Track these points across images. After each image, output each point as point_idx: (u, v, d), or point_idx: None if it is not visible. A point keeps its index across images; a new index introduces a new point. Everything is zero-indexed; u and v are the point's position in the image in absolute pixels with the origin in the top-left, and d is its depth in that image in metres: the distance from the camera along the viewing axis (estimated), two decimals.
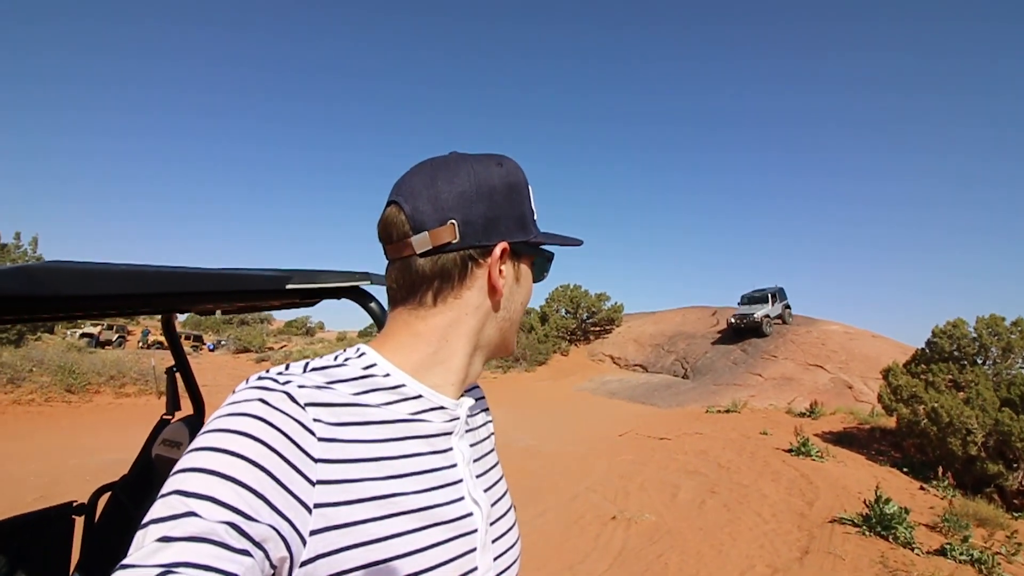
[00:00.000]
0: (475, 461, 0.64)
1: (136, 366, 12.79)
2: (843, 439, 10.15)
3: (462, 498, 0.57)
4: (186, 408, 2.20)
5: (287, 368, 0.54)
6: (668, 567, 4.38)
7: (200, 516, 0.39)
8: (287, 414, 0.47)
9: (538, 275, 0.70)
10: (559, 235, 0.68)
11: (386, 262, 0.63)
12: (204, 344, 31.61)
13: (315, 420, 0.49)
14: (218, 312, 1.87)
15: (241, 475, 0.42)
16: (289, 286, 1.24)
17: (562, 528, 5.27)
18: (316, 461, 0.47)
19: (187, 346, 27.74)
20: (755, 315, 20.98)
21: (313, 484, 0.46)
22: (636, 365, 23.48)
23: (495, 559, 0.59)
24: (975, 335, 10.97)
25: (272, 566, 0.42)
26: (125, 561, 0.37)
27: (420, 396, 0.58)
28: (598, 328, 27.96)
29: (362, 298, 1.36)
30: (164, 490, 0.41)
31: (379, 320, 1.33)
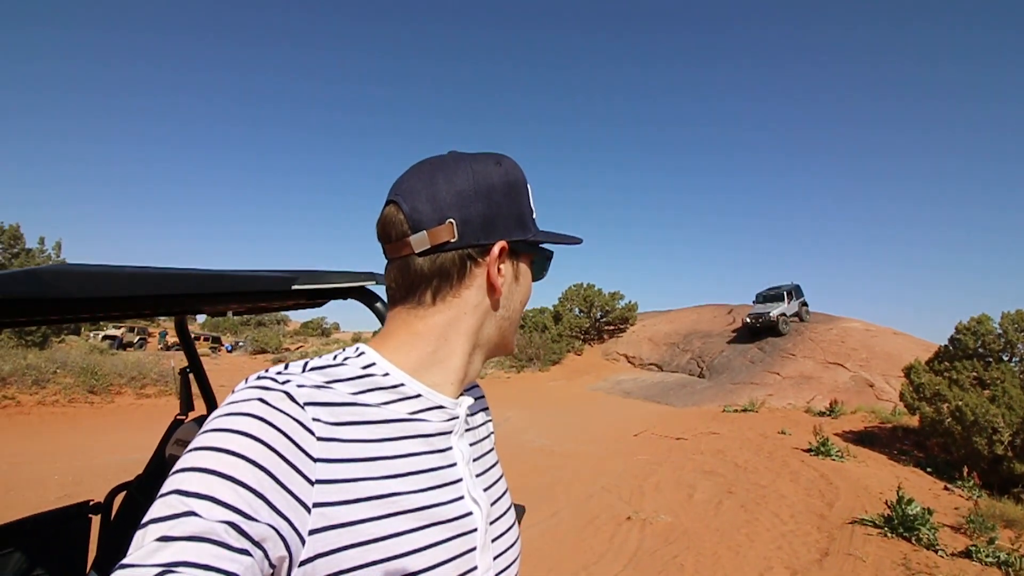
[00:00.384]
0: (474, 460, 0.64)
1: (156, 367, 13.03)
2: (864, 439, 9.96)
3: (461, 497, 0.57)
4: (199, 408, 2.23)
5: (286, 367, 0.54)
6: (684, 568, 4.33)
7: (200, 515, 0.39)
8: (286, 413, 0.47)
9: (538, 274, 0.70)
10: (558, 234, 0.68)
11: (386, 262, 0.63)
12: (222, 345, 32.09)
13: (314, 419, 0.49)
14: (230, 313, 1.89)
15: (240, 475, 0.42)
16: (295, 287, 1.24)
17: (576, 528, 5.24)
18: (315, 460, 0.47)
19: (206, 347, 28.33)
20: (771, 314, 20.65)
21: (312, 484, 0.46)
22: (651, 364, 23.31)
23: (495, 558, 0.59)
24: (1000, 331, 10.70)
25: (271, 565, 0.42)
26: (125, 560, 0.37)
27: (419, 395, 0.58)
28: (612, 327, 27.82)
29: (368, 298, 1.36)
30: (164, 490, 0.41)
31: (385, 320, 1.33)
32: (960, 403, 8.46)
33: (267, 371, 0.52)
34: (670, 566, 4.38)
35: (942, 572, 4.12)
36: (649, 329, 26.32)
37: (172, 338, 29.90)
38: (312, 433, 0.48)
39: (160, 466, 2.08)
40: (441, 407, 0.59)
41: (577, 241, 0.69)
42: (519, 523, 1.38)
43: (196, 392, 2.26)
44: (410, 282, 0.59)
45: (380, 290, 1.35)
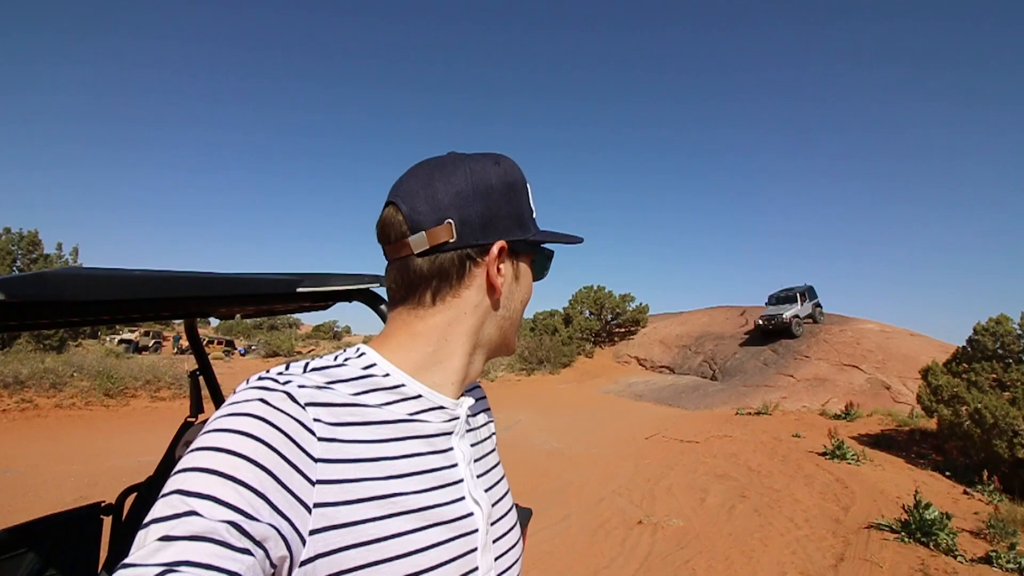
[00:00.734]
0: (476, 461, 0.64)
1: (171, 371, 13.18)
2: (881, 442, 9.80)
3: (463, 498, 0.57)
4: (209, 410, 2.24)
5: (287, 368, 0.54)
6: (696, 573, 4.28)
7: (201, 515, 0.39)
8: (287, 414, 0.48)
9: (538, 273, 0.70)
10: (558, 233, 0.68)
11: (386, 263, 0.64)
12: (236, 349, 32.42)
13: (315, 420, 0.49)
14: (238, 316, 1.90)
15: (242, 474, 0.42)
16: (300, 289, 1.25)
17: (587, 532, 5.20)
18: (316, 461, 0.47)
19: (219, 350, 28.60)
20: (784, 316, 20.38)
21: (313, 484, 0.46)
22: (662, 367, 23.15)
23: (496, 559, 0.59)
24: (1020, 332, 10.48)
25: (272, 565, 0.42)
26: (127, 560, 0.37)
27: (420, 396, 0.58)
28: (623, 329, 27.68)
29: (372, 300, 1.36)
30: (165, 489, 0.41)
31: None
32: (979, 405, 8.30)
33: (268, 371, 0.52)
34: (682, 571, 4.33)
35: None
36: (660, 331, 26.14)
37: (186, 342, 30.27)
38: (313, 433, 0.48)
39: (169, 468, 2.09)
40: (442, 407, 0.59)
41: (578, 240, 0.69)
42: (525, 526, 1.37)
43: (206, 394, 2.28)
44: (410, 283, 0.59)
45: (384, 292, 1.35)
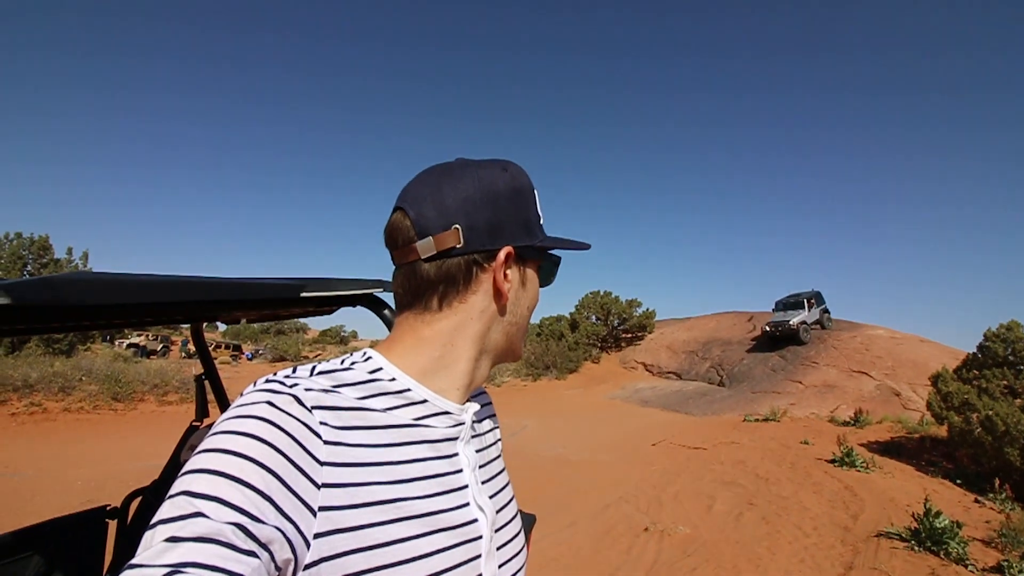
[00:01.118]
0: (480, 467, 0.64)
1: (178, 375, 13.26)
2: (890, 449, 9.70)
3: (467, 504, 0.57)
4: (215, 415, 2.26)
5: (294, 371, 0.54)
6: None
7: (207, 517, 0.39)
8: (294, 416, 0.48)
9: (545, 279, 0.70)
10: (566, 239, 0.69)
11: (394, 268, 0.64)
12: (243, 353, 32.58)
13: (321, 423, 0.49)
14: (243, 321, 1.91)
15: (248, 477, 0.42)
16: (303, 294, 1.25)
17: (593, 539, 5.17)
18: (322, 464, 0.48)
19: (226, 355, 28.74)
20: (791, 322, 20.25)
21: (318, 487, 0.46)
22: (669, 372, 23.04)
23: (500, 566, 0.59)
24: None
25: (277, 568, 0.42)
26: (134, 560, 0.37)
27: (425, 401, 0.58)
28: (630, 335, 27.61)
29: (376, 305, 1.37)
30: (172, 491, 0.41)
31: (392, 327, 1.33)
32: (990, 412, 8.20)
33: (275, 374, 0.53)
34: None
35: None
36: (667, 337, 26.04)
37: (193, 346, 30.43)
38: (319, 436, 0.48)
39: (175, 471, 2.10)
40: (447, 413, 0.59)
41: (585, 247, 0.70)
42: (530, 532, 1.36)
43: (212, 399, 2.29)
44: (417, 288, 0.59)
45: (388, 297, 1.36)
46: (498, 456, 0.72)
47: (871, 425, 11.91)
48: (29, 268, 16.10)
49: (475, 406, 0.64)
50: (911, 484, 7.38)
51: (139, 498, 2.11)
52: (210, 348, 2.37)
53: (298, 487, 0.45)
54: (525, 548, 0.67)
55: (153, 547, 0.37)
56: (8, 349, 13.50)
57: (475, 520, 0.57)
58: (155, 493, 2.09)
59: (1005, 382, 9.95)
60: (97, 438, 9.00)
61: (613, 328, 27.34)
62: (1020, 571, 4.20)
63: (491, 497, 0.62)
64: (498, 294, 0.61)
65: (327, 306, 1.44)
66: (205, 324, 2.46)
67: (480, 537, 0.57)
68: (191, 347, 30.33)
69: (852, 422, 12.17)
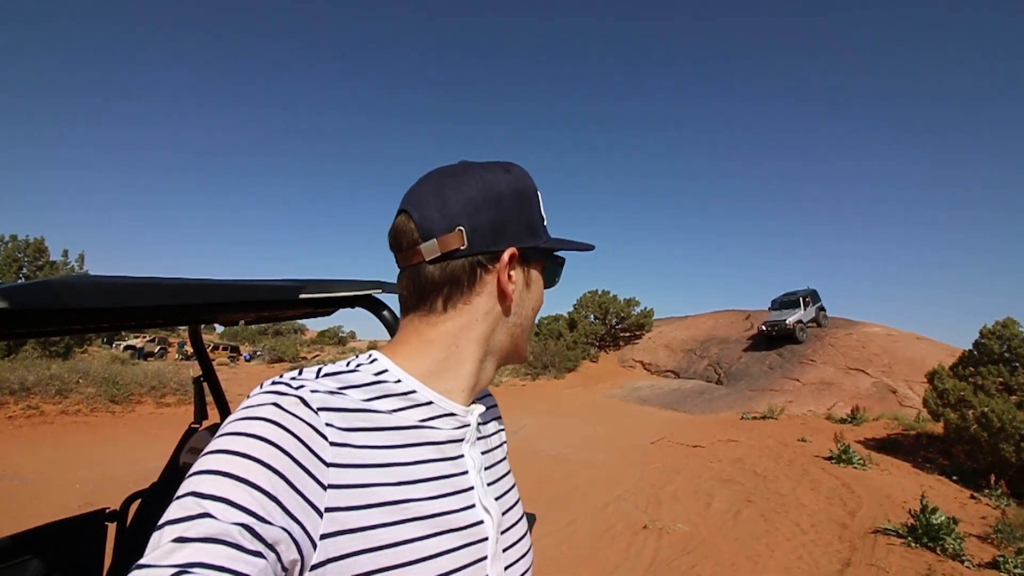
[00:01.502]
0: (486, 469, 0.64)
1: (176, 377, 13.22)
2: (887, 446, 9.73)
3: (473, 506, 0.57)
4: (213, 417, 2.26)
5: (300, 373, 0.55)
6: None
7: (215, 517, 0.39)
8: (300, 418, 0.48)
9: (549, 280, 0.70)
10: (570, 240, 0.69)
11: (398, 271, 0.64)
12: (241, 355, 32.50)
13: (327, 424, 0.49)
14: (242, 323, 1.91)
15: (255, 478, 0.42)
16: (302, 296, 1.25)
17: (592, 538, 5.18)
18: (328, 465, 0.48)
19: (224, 356, 28.64)
20: (787, 321, 20.28)
21: (325, 488, 0.47)
22: (668, 371, 23.08)
23: (506, 568, 0.59)
24: None
25: (284, 568, 0.42)
26: (141, 561, 0.37)
27: (431, 403, 0.58)
28: (628, 334, 27.64)
29: (375, 307, 1.37)
30: (180, 491, 0.42)
31: (391, 328, 1.34)
32: (986, 409, 8.24)
33: (281, 376, 0.53)
34: None
35: None
36: (666, 335, 26.08)
37: (191, 348, 30.33)
38: (325, 438, 0.49)
39: (174, 474, 2.10)
40: (452, 414, 0.60)
41: (589, 248, 0.70)
42: (529, 532, 1.37)
43: (210, 400, 2.29)
44: (421, 290, 0.60)
45: (387, 298, 1.36)
46: (504, 458, 0.72)
47: (868, 422, 11.95)
48: (24, 271, 16.03)
49: (480, 408, 0.64)
50: (908, 481, 7.41)
51: (138, 501, 2.11)
52: (208, 350, 2.37)
53: (304, 488, 0.45)
54: (532, 550, 0.67)
55: (161, 547, 0.38)
56: (4, 352, 13.44)
57: (481, 522, 0.57)
58: (154, 495, 2.08)
59: (1001, 379, 10.01)
60: (95, 441, 8.97)
61: (611, 327, 27.36)
62: (1016, 566, 4.23)
63: (497, 499, 0.62)
64: (502, 295, 0.61)
65: (326, 308, 1.44)
66: (203, 326, 2.47)
67: (486, 539, 0.57)
68: (188, 348, 30.28)
69: (849, 419, 12.21)
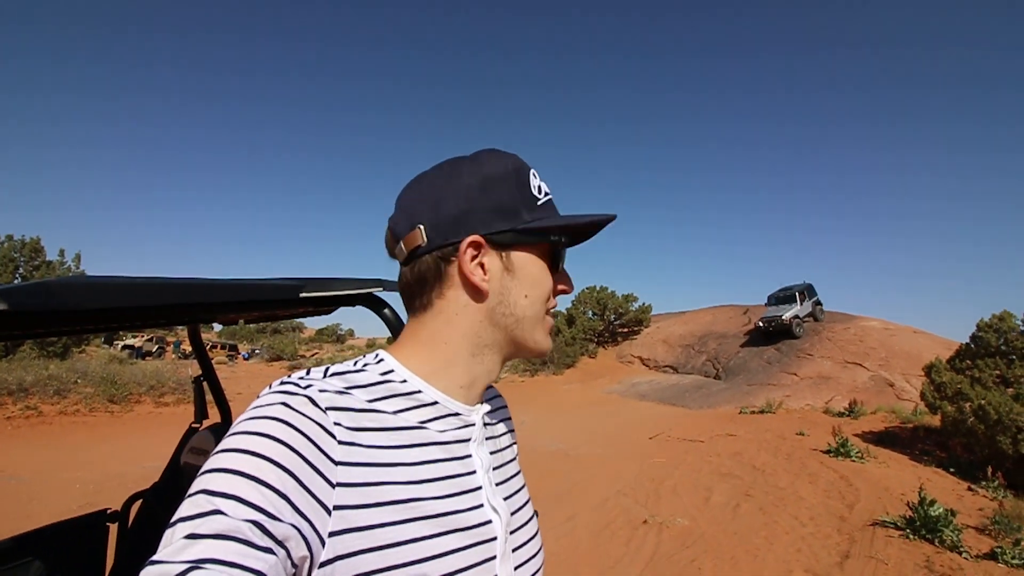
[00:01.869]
0: (495, 469, 0.64)
1: (174, 376, 13.21)
2: (885, 439, 9.78)
3: (481, 505, 0.57)
4: (213, 416, 2.25)
5: (308, 373, 0.55)
6: (702, 572, 4.28)
7: (226, 514, 0.40)
8: (309, 417, 0.48)
9: (550, 262, 0.64)
10: (574, 215, 0.64)
11: None
12: (239, 353, 32.47)
13: (335, 424, 0.50)
14: (242, 321, 1.91)
15: (264, 475, 0.43)
16: (302, 295, 1.25)
17: (592, 533, 5.20)
18: (336, 464, 0.48)
19: (222, 355, 28.62)
20: (783, 317, 20.30)
21: (333, 486, 0.47)
22: (666, 366, 23.12)
23: (516, 568, 0.59)
24: (1023, 328, 10.45)
25: (293, 565, 0.43)
26: (154, 557, 0.38)
27: (436, 403, 0.58)
28: (626, 329, 27.65)
29: (376, 305, 1.37)
30: (192, 490, 0.42)
31: (392, 326, 1.34)
32: (983, 402, 8.28)
33: (290, 376, 0.54)
34: (688, 570, 4.33)
35: (966, 574, 4.03)
36: (664, 331, 26.11)
37: (187, 346, 30.29)
38: (333, 436, 0.49)
39: (175, 474, 2.10)
40: (457, 414, 0.60)
41: (601, 219, 0.65)
42: None
43: (210, 399, 2.29)
44: (406, 291, 0.62)
45: (388, 296, 1.36)
46: (513, 459, 0.72)
47: (865, 416, 12.01)
48: (21, 271, 15.96)
49: (486, 407, 0.64)
50: (905, 473, 7.45)
51: (140, 501, 2.11)
52: (206, 348, 2.37)
53: (313, 486, 0.46)
54: (543, 550, 0.67)
55: (173, 544, 0.38)
56: (2, 353, 13.39)
57: (489, 521, 0.57)
58: (156, 496, 2.08)
59: (998, 372, 10.06)
60: (94, 440, 8.96)
61: (610, 323, 27.38)
62: (1013, 557, 4.26)
63: (506, 499, 0.62)
64: (473, 287, 0.59)
65: (326, 306, 1.44)
66: (201, 325, 2.46)
67: (495, 538, 0.57)
68: (184, 347, 30.21)
69: (847, 413, 12.27)
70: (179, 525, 0.40)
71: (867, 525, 5.17)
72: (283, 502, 0.43)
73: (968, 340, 11.25)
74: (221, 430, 2.08)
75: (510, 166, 0.62)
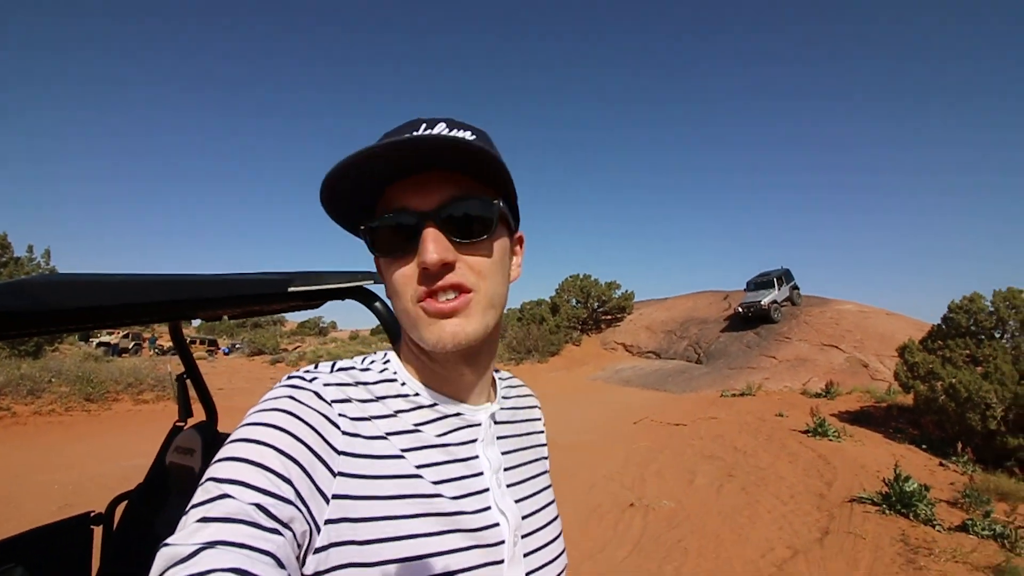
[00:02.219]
0: (509, 469, 0.62)
1: (152, 372, 12.95)
2: (860, 418, 10.07)
3: (488, 508, 0.56)
4: (199, 414, 2.21)
5: (316, 367, 0.56)
6: (688, 552, 4.37)
7: (233, 498, 0.41)
8: (313, 408, 0.50)
9: (377, 251, 0.57)
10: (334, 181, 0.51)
11: None
12: (219, 348, 31.95)
13: (340, 415, 0.51)
14: (226, 317, 1.87)
15: (269, 462, 0.44)
16: (291, 289, 1.23)
17: (581, 518, 5.27)
18: (339, 453, 0.49)
19: (202, 350, 28.12)
20: (762, 302, 20.69)
21: (334, 475, 0.48)
22: (649, 352, 23.40)
23: (529, 574, 0.57)
24: (992, 309, 10.79)
25: (299, 546, 0.44)
26: (167, 540, 0.39)
27: (434, 404, 0.58)
28: (609, 317, 27.87)
29: (367, 298, 1.35)
30: (203, 479, 0.44)
31: (384, 320, 1.33)
32: (954, 380, 8.55)
33: (297, 371, 0.55)
34: (674, 550, 4.42)
35: (940, 546, 4.19)
36: (646, 318, 26.39)
37: (164, 342, 29.69)
38: (337, 427, 0.50)
39: (161, 474, 2.06)
40: (458, 414, 0.59)
41: (338, 169, 0.49)
42: None
43: (195, 398, 2.24)
44: None
45: (379, 289, 1.34)
46: (537, 459, 0.69)
47: (841, 396, 12.33)
48: None
49: (492, 407, 0.63)
50: (880, 451, 7.69)
51: (125, 502, 2.07)
52: (188, 345, 2.32)
53: (315, 473, 0.47)
54: (562, 556, 0.64)
55: (186, 528, 0.40)
56: None
57: (496, 524, 0.55)
58: (140, 497, 2.04)
59: (967, 351, 10.39)
60: (70, 440, 8.75)
61: (593, 310, 27.56)
62: (983, 529, 4.43)
63: (519, 501, 0.60)
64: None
65: (315, 300, 1.42)
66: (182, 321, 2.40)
67: (502, 542, 0.55)
68: (161, 343, 29.58)
69: (823, 394, 12.58)
70: (191, 511, 0.41)
71: (845, 502, 5.33)
72: (287, 486, 0.44)
73: (940, 321, 11.59)
74: (207, 428, 2.05)
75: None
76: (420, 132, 0.54)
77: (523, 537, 0.58)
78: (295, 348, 31.58)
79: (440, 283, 0.52)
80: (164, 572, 0.37)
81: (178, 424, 2.15)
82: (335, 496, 0.47)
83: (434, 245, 0.51)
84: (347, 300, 1.40)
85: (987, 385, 8.12)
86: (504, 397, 0.69)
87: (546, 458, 0.75)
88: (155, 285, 1.06)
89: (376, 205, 0.56)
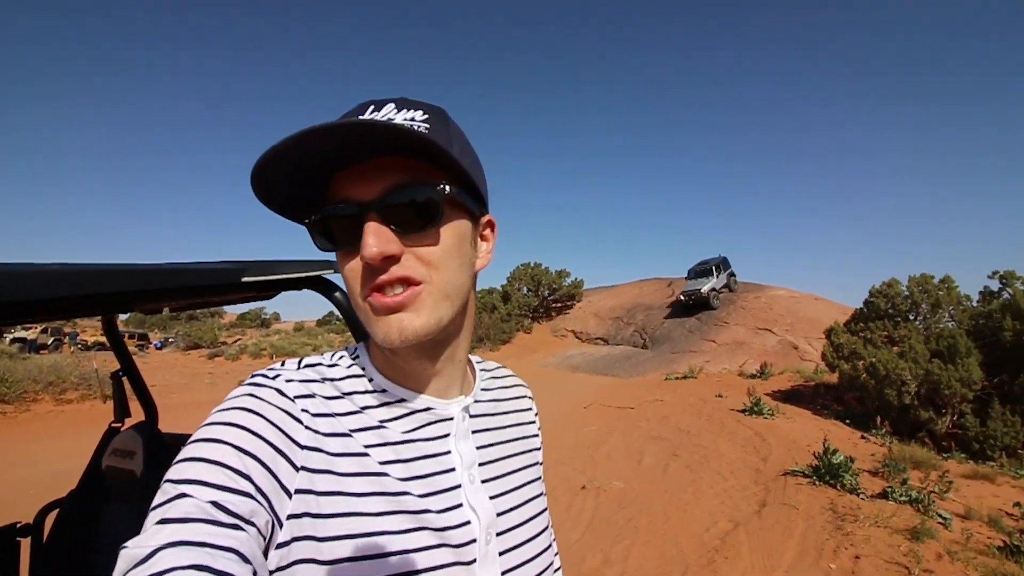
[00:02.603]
0: (485, 464, 0.60)
1: (76, 370, 12.03)
2: (791, 396, 10.73)
3: (459, 505, 0.54)
4: (137, 414, 2.09)
5: (282, 365, 0.55)
6: (638, 530, 4.55)
7: (191, 497, 0.40)
8: (275, 405, 0.49)
9: (328, 244, 0.55)
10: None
11: None
12: (150, 342, 30.11)
13: (303, 410, 0.50)
14: (165, 309, 1.76)
15: (227, 459, 0.43)
16: (245, 279, 1.18)
17: None
18: (302, 448, 0.48)
19: (132, 345, 26.37)
20: (702, 290, 21.70)
21: (297, 469, 0.47)
22: (597, 338, 23.97)
23: (504, 573, 0.55)
24: (907, 293, 11.73)
25: (264, 539, 0.43)
26: (127, 543, 0.38)
27: (402, 400, 0.57)
28: (559, 304, 28.30)
29: (326, 288, 1.31)
30: (162, 481, 0.43)
31: (344, 310, 1.29)
32: (873, 359, 9.26)
33: (262, 369, 0.53)
34: (625, 529, 4.59)
35: (864, 513, 4.55)
36: (595, 305, 26.98)
37: (87, 337, 27.65)
38: (300, 422, 0.49)
39: (95, 478, 1.93)
40: (429, 409, 0.57)
41: (263, 160, 0.46)
42: None
43: (132, 396, 2.11)
44: None
45: (338, 279, 1.31)
46: (520, 452, 0.67)
47: (774, 376, 13.11)
48: None
49: (466, 400, 0.61)
50: (810, 426, 8.24)
51: (55, 511, 1.92)
52: (124, 340, 2.17)
53: (278, 469, 0.45)
54: (544, 555, 0.62)
55: (146, 531, 0.39)
56: None
57: (466, 523, 0.53)
58: (73, 504, 1.90)
59: (886, 333, 11.27)
60: None
61: (544, 298, 27.89)
62: (901, 495, 4.85)
63: (495, 497, 0.58)
64: None
65: (270, 291, 1.36)
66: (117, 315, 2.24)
67: (472, 541, 0.53)
68: (84, 339, 27.52)
69: (758, 375, 13.33)
70: (151, 514, 0.40)
71: (779, 475, 5.69)
72: (246, 482, 0.43)
73: (862, 305, 12.49)
74: (146, 428, 1.93)
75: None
76: (366, 116, 0.51)
77: (498, 535, 0.56)
78: (235, 341, 30.17)
79: (384, 277, 0.50)
80: (125, 575, 0.36)
81: (115, 425, 2.02)
82: (298, 491, 0.46)
83: (374, 239, 0.48)
84: (302, 290, 1.35)
85: (902, 363, 8.85)
86: (484, 389, 0.67)
87: (537, 450, 0.72)
88: (93, 276, 0.97)
89: (327, 196, 0.54)
